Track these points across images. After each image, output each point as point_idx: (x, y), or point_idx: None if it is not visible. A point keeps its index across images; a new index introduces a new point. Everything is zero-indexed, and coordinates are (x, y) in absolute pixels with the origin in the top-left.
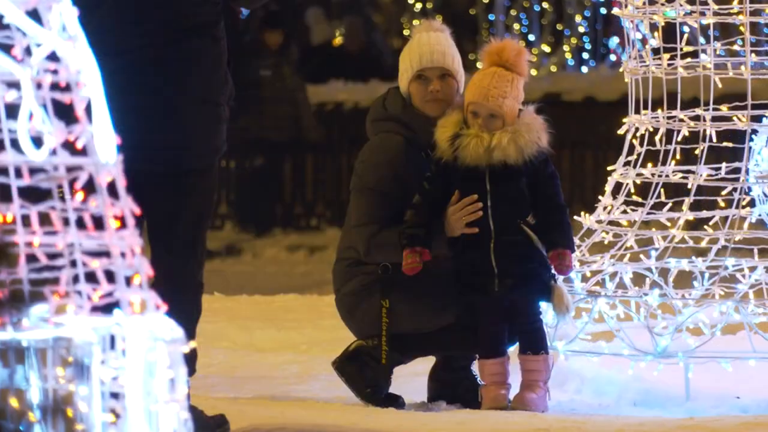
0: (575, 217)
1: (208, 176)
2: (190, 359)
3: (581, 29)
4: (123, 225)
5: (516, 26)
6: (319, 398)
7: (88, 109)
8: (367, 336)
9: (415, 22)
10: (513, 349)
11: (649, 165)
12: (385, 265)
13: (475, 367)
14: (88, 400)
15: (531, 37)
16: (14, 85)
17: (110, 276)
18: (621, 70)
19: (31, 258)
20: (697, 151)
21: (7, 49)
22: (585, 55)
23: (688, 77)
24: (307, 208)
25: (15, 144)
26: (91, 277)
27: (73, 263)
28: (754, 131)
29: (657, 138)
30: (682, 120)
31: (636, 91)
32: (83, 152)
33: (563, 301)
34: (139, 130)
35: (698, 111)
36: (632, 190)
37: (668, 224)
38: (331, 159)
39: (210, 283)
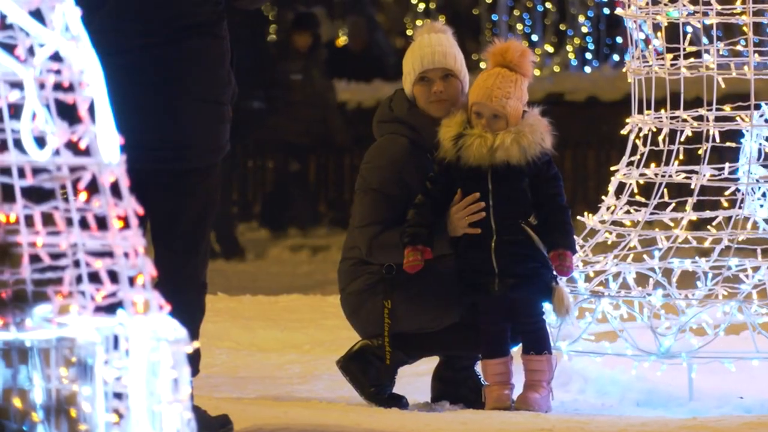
0: (578, 218)
1: (210, 176)
2: (193, 359)
3: (584, 29)
4: (126, 225)
5: (519, 26)
6: (322, 398)
7: (91, 109)
8: (371, 335)
9: (418, 22)
10: (516, 349)
11: (652, 165)
12: (390, 265)
13: (478, 367)
14: (91, 400)
15: (534, 37)
16: (17, 85)
17: (113, 276)
18: (624, 70)
19: (35, 258)
20: (700, 152)
21: (10, 49)
22: (588, 55)
23: (691, 77)
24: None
25: (18, 144)
26: (94, 277)
27: (77, 263)
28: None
29: (660, 138)
30: (685, 120)
31: (639, 91)
32: (86, 152)
33: (564, 302)
34: (140, 129)
35: (701, 111)
36: (635, 191)
37: (671, 224)
38: (334, 159)
39: (213, 283)
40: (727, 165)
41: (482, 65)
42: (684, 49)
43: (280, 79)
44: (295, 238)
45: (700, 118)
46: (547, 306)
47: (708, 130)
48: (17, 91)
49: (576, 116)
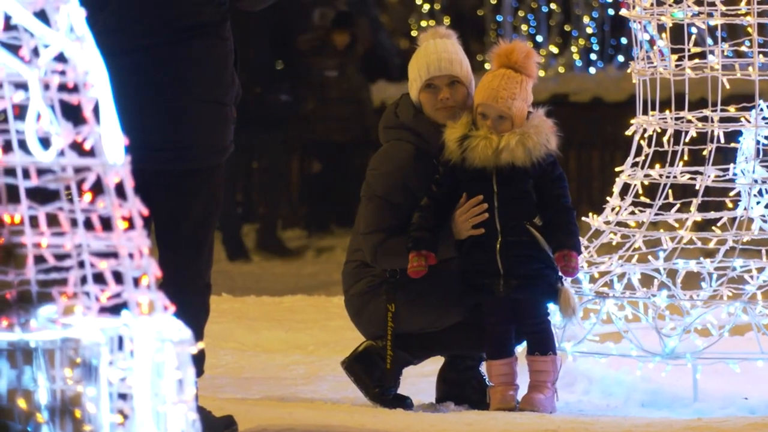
0: (583, 218)
1: (214, 176)
2: (198, 360)
3: (589, 30)
4: (131, 226)
5: (524, 27)
6: (326, 399)
7: (95, 110)
8: (374, 336)
9: (423, 23)
10: (521, 350)
11: (657, 166)
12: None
13: (483, 368)
14: (96, 401)
15: (539, 38)
16: (22, 86)
17: (118, 277)
18: (629, 71)
19: (39, 259)
20: (704, 152)
21: (14, 50)
22: (593, 56)
23: (696, 78)
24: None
25: (23, 145)
26: (99, 278)
27: (81, 264)
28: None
29: (665, 139)
30: (689, 121)
31: (644, 92)
32: (91, 153)
33: (569, 303)
34: (144, 130)
35: (706, 112)
36: (640, 191)
37: (676, 225)
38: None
39: (218, 284)
40: (732, 166)
41: (487, 66)
42: (688, 50)
43: (315, 76)
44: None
45: (704, 119)
46: (552, 307)
47: (712, 131)
48: (22, 91)
49: (580, 117)
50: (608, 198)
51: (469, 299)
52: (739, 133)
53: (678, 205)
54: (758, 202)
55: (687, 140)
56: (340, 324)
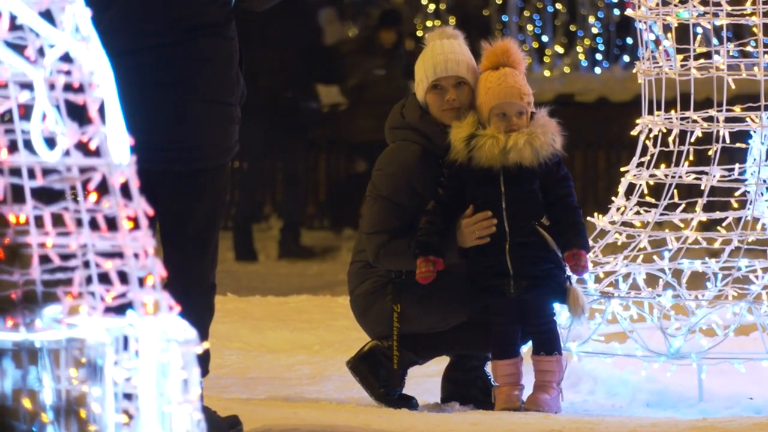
0: (588, 218)
1: (219, 176)
2: (203, 360)
3: (594, 30)
4: (136, 226)
5: (529, 27)
6: (331, 399)
7: (101, 110)
8: (380, 336)
9: (428, 23)
10: (526, 350)
11: (662, 166)
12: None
13: (488, 367)
14: (101, 401)
15: (544, 38)
16: (27, 86)
17: (123, 277)
18: (634, 71)
19: (44, 259)
20: (710, 152)
21: (20, 49)
22: (598, 56)
23: (702, 78)
24: (322, 208)
25: (28, 145)
26: (104, 278)
27: (86, 264)
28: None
29: (670, 139)
30: (695, 121)
31: (649, 92)
32: (96, 153)
33: (579, 302)
34: (149, 130)
35: (711, 112)
36: (645, 191)
37: (681, 225)
38: (344, 160)
39: (223, 283)
40: (737, 166)
41: None
42: (694, 50)
43: (361, 75)
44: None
45: (710, 119)
46: (558, 307)
47: (718, 131)
48: (27, 91)
49: (586, 117)
50: (613, 198)
51: (479, 301)
52: (745, 133)
53: (683, 205)
54: (766, 200)
55: (692, 140)
56: (345, 324)
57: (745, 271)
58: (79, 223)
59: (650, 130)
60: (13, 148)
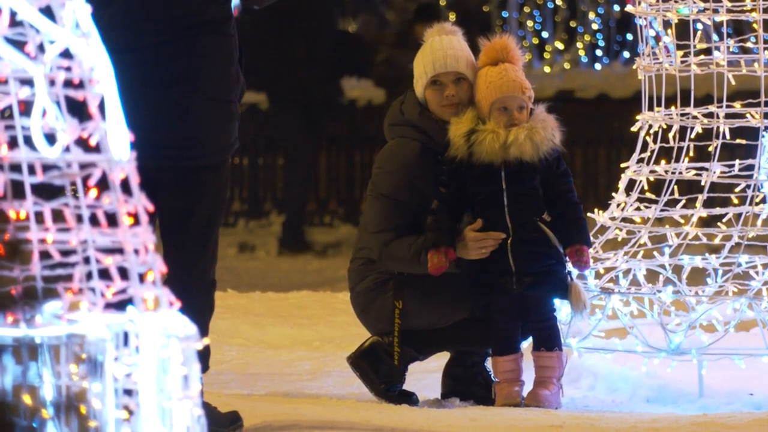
0: (588, 214)
1: (219, 173)
2: (204, 356)
3: (595, 26)
4: (136, 222)
5: (529, 23)
6: (331, 395)
7: (101, 106)
8: (381, 333)
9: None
10: (526, 346)
11: (663, 162)
12: None
13: (488, 363)
14: (101, 396)
15: (544, 34)
16: (27, 82)
17: (123, 273)
18: (634, 67)
19: (45, 255)
20: (710, 148)
21: (20, 46)
22: (598, 53)
23: (702, 74)
24: (321, 205)
25: (28, 141)
26: (104, 274)
27: (87, 260)
28: (767, 128)
29: (670, 135)
30: (695, 117)
31: (649, 88)
32: (96, 149)
33: (581, 298)
34: (150, 126)
35: (711, 108)
36: (645, 187)
37: (681, 221)
38: (345, 156)
39: (223, 279)
40: (737, 162)
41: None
42: (694, 46)
43: (398, 69)
44: None
45: (710, 115)
46: (559, 302)
47: (718, 127)
48: (27, 88)
49: (586, 113)
50: (614, 194)
51: (481, 298)
52: (745, 129)
53: (683, 201)
54: None
55: (692, 136)
56: (346, 320)
57: (746, 267)
58: (79, 219)
59: (650, 126)
60: (13, 144)
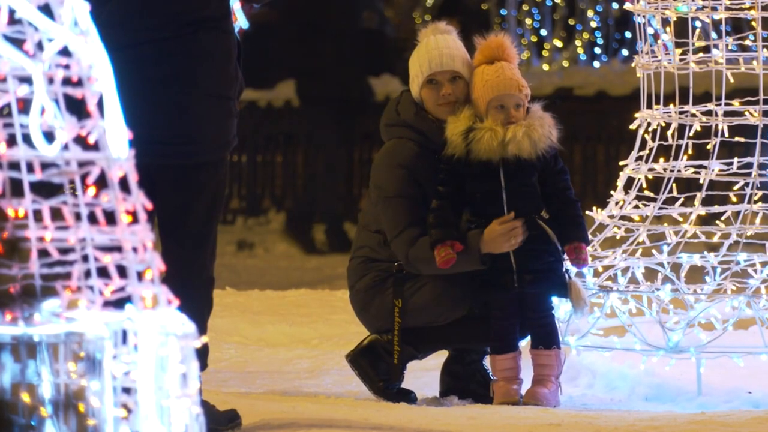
0: (587, 212)
1: (218, 170)
2: (202, 354)
3: (593, 24)
4: (135, 220)
5: (528, 21)
6: (330, 393)
7: (100, 104)
8: (380, 331)
9: (427, 17)
10: (525, 344)
11: (661, 160)
12: (400, 263)
13: (486, 362)
14: (99, 395)
15: (543, 32)
16: (26, 80)
17: (122, 271)
18: (633, 65)
19: (43, 253)
20: (709, 146)
21: (18, 43)
22: (597, 50)
23: (700, 72)
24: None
25: (27, 139)
26: (102, 272)
27: (85, 258)
28: (767, 126)
29: (669, 133)
30: (694, 115)
31: (648, 86)
32: (95, 147)
33: (581, 295)
34: (149, 124)
35: (710, 106)
36: (644, 185)
37: (680, 219)
38: (343, 153)
39: (221, 277)
40: (735, 160)
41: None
42: (693, 44)
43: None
44: None
45: (708, 113)
46: (557, 300)
47: (717, 125)
48: (26, 86)
49: (585, 111)
50: (612, 192)
51: (482, 296)
52: (744, 127)
53: (682, 199)
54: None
55: (691, 134)
56: (344, 318)
57: (744, 265)
58: (77, 217)
59: (649, 124)
60: (11, 142)
